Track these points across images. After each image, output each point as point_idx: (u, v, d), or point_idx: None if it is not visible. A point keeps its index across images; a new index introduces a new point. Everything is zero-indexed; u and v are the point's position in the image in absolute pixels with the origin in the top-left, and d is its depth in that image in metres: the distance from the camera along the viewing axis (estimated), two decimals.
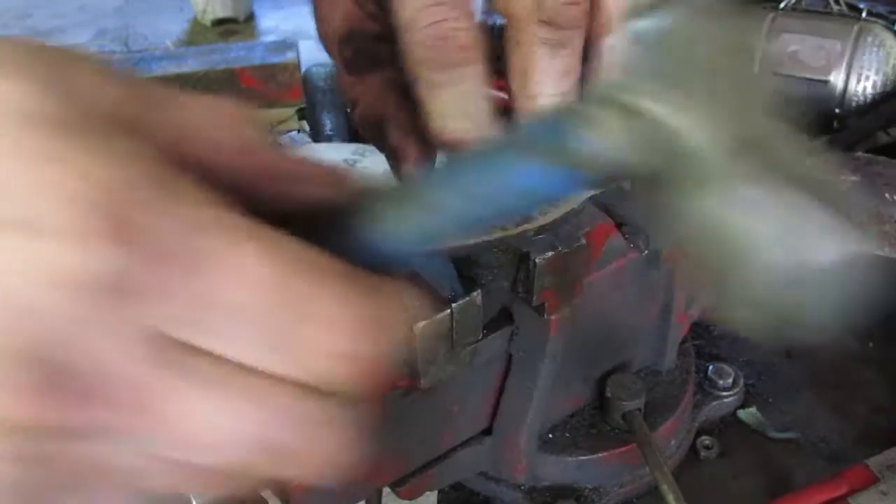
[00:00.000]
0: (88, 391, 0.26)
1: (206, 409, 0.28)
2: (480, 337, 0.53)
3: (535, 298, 0.53)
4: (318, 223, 0.33)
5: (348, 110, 0.50)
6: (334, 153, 0.66)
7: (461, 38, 0.42)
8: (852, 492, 0.66)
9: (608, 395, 0.67)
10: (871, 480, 0.66)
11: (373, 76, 0.50)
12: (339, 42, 0.51)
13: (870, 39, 1.03)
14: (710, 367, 0.78)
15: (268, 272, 0.27)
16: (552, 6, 0.45)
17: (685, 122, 0.28)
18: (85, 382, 0.26)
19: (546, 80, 0.46)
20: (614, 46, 0.48)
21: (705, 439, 0.75)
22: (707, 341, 0.83)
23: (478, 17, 0.43)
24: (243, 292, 0.27)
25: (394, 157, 0.48)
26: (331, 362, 0.29)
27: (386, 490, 0.62)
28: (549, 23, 0.45)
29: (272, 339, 0.28)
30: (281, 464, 0.31)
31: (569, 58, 0.47)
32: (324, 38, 0.53)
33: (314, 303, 0.28)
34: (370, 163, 0.62)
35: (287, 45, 1.50)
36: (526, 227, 0.48)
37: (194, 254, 0.26)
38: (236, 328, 0.28)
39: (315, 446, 0.31)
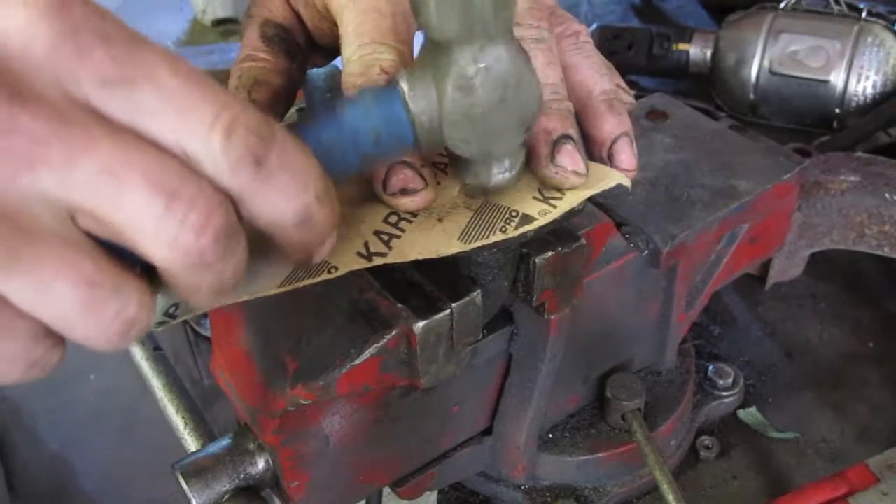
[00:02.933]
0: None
1: (105, 158, 0.31)
2: (480, 337, 0.53)
3: (535, 298, 0.53)
4: None
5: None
6: None
7: (385, 64, 0.48)
8: (852, 492, 0.66)
9: (608, 395, 0.67)
10: (871, 480, 0.66)
11: (281, 58, 0.56)
12: (265, 23, 0.57)
13: (870, 39, 1.03)
14: (710, 367, 0.77)
15: (194, 76, 0.33)
16: (520, 11, 0.51)
17: None
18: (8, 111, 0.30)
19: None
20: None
21: (705, 439, 0.75)
22: (707, 341, 0.83)
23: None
24: (174, 78, 0.32)
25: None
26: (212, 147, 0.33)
27: (386, 490, 0.62)
28: (518, 24, 0.50)
29: (185, 117, 0.32)
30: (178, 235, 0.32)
31: (547, 51, 0.51)
32: (251, 15, 0.58)
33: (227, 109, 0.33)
34: None
35: None
36: (526, 227, 0.48)
37: (131, 43, 0.32)
38: (154, 104, 0.32)
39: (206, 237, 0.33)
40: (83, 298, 0.32)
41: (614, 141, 0.52)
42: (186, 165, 0.33)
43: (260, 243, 0.37)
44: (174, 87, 0.32)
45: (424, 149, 0.43)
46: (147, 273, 0.35)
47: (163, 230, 0.32)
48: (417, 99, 0.42)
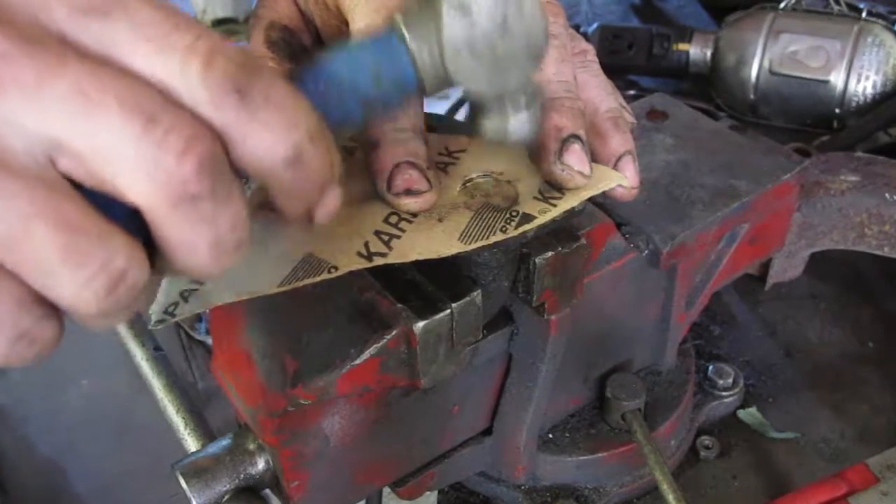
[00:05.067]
0: None
1: (75, 78, 0.30)
2: (480, 337, 0.53)
3: (535, 298, 0.53)
4: None
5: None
6: None
7: None
8: (852, 492, 0.66)
9: (608, 395, 0.67)
10: (871, 480, 0.66)
11: (286, 63, 0.54)
12: (270, 26, 0.55)
13: (870, 39, 1.03)
14: (710, 367, 0.78)
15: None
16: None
17: None
18: None
19: (546, 68, 0.49)
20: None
21: (705, 439, 0.75)
22: (707, 341, 0.83)
23: None
24: (146, 8, 0.31)
25: None
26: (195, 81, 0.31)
27: (386, 490, 0.62)
28: None
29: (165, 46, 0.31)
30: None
31: (561, 48, 0.51)
32: (257, 16, 0.57)
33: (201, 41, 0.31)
34: None
35: None
36: (526, 226, 0.48)
37: None
38: (127, 33, 0.31)
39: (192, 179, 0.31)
40: (64, 244, 0.30)
41: (619, 158, 0.53)
42: (164, 95, 0.31)
43: (260, 238, 0.37)
44: (147, 15, 0.31)
45: (429, 89, 0.41)
46: (142, 241, 0.33)
47: (140, 155, 0.30)
48: (414, 31, 0.40)
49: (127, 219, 0.32)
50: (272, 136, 0.33)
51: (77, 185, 0.31)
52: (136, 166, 0.30)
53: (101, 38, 0.31)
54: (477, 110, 0.45)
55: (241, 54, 0.32)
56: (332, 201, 0.37)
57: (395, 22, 0.40)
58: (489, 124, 0.44)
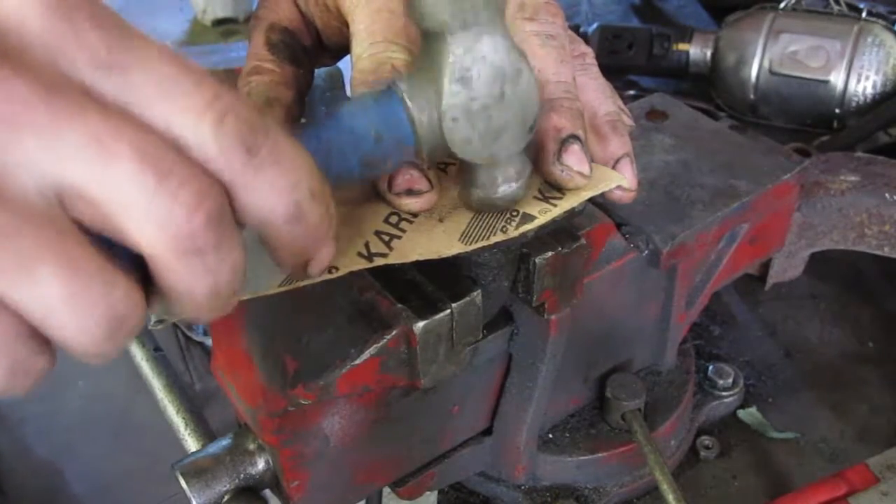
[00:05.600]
0: None
1: (93, 127, 0.30)
2: (480, 337, 0.53)
3: (535, 298, 0.53)
4: None
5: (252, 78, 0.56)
6: None
7: (396, 63, 0.49)
8: (852, 492, 0.66)
9: (608, 395, 0.67)
10: (871, 480, 0.66)
11: (287, 65, 0.55)
12: (270, 28, 0.56)
13: (870, 39, 1.03)
14: (710, 367, 0.78)
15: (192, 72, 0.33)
16: (532, 5, 0.51)
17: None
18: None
19: (545, 68, 0.50)
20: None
21: (705, 439, 0.75)
22: (707, 341, 0.83)
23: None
24: (167, 66, 0.32)
25: None
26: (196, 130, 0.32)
27: (386, 490, 0.62)
28: (532, 19, 0.51)
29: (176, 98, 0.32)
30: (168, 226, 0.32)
31: (560, 48, 0.52)
32: (258, 18, 0.58)
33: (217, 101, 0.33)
34: None
35: None
36: (526, 227, 0.48)
37: (126, 31, 0.32)
38: (146, 88, 0.32)
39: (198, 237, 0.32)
40: (68, 287, 0.30)
41: (617, 161, 0.53)
42: (178, 150, 0.32)
43: (259, 246, 0.37)
44: (167, 73, 0.32)
45: (426, 152, 0.43)
46: (142, 283, 0.34)
47: (153, 207, 0.31)
48: (416, 96, 0.41)
49: (128, 260, 0.33)
50: (276, 192, 0.34)
51: (82, 227, 0.32)
52: (147, 216, 0.31)
53: (121, 89, 0.32)
54: (468, 177, 0.47)
55: (253, 114, 0.33)
56: (325, 256, 0.39)
57: (397, 87, 0.42)
58: (477, 192, 0.47)
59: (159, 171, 0.31)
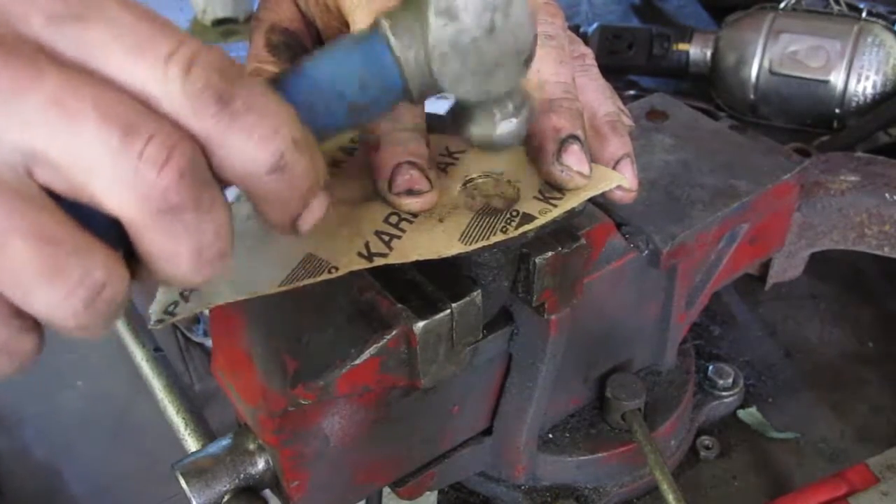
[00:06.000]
0: None
1: (52, 88, 0.29)
2: (480, 337, 0.53)
3: (535, 298, 0.53)
4: None
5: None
6: None
7: None
8: (852, 492, 0.66)
9: (608, 395, 0.67)
10: (871, 480, 0.66)
11: (286, 66, 0.54)
12: (271, 29, 0.55)
13: (870, 39, 1.03)
14: (710, 367, 0.77)
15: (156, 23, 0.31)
16: (531, 5, 0.49)
17: None
18: None
19: (544, 68, 0.50)
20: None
21: (705, 439, 0.75)
22: (707, 341, 0.83)
23: None
24: (125, 13, 0.30)
25: None
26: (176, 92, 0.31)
27: (386, 490, 0.62)
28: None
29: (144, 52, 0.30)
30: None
31: (559, 49, 0.51)
32: (258, 19, 0.57)
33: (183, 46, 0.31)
34: None
35: None
36: (527, 227, 0.48)
37: None
38: (105, 40, 0.30)
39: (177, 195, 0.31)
40: (40, 257, 0.29)
41: (617, 161, 0.53)
42: (144, 103, 0.31)
43: (260, 238, 0.37)
44: (126, 22, 0.31)
45: (416, 94, 0.40)
46: (123, 250, 0.32)
47: (119, 166, 0.30)
48: (400, 34, 0.39)
49: (106, 229, 0.31)
50: (254, 143, 0.32)
51: (55, 196, 0.31)
52: (116, 178, 0.30)
53: (79, 45, 0.30)
54: (464, 115, 0.44)
55: (223, 60, 0.32)
56: (317, 209, 0.37)
57: (379, 25, 0.39)
58: (476, 130, 0.44)
59: (124, 129, 0.30)
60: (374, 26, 0.39)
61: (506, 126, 0.43)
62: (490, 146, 0.44)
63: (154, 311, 0.45)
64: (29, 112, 0.29)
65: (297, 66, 0.39)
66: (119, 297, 0.32)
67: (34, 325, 0.32)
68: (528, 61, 0.41)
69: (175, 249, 0.32)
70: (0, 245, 0.29)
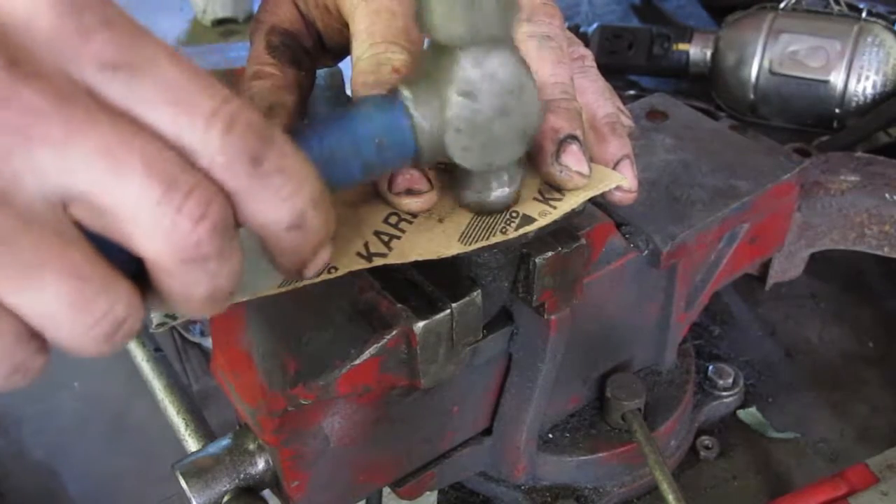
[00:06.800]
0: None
1: (104, 139, 0.30)
2: (480, 337, 0.53)
3: (535, 298, 0.53)
4: None
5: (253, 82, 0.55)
6: None
7: (396, 64, 0.48)
8: (852, 492, 0.66)
9: (608, 395, 0.67)
10: (871, 480, 0.66)
11: (288, 68, 0.55)
12: (271, 31, 0.56)
13: (870, 39, 1.03)
14: (710, 367, 0.77)
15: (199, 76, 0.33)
16: (528, 6, 0.51)
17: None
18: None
19: (542, 69, 0.50)
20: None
21: (705, 439, 0.75)
22: (707, 341, 0.83)
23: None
24: (174, 68, 0.32)
25: None
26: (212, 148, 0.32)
27: (386, 490, 0.62)
28: (529, 20, 0.51)
29: (184, 109, 0.32)
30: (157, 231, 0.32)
31: (557, 49, 0.51)
32: (259, 20, 0.58)
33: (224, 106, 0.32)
34: None
35: None
36: (526, 228, 0.48)
37: (133, 30, 0.32)
38: (153, 92, 0.31)
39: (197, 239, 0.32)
40: (71, 293, 0.31)
41: (617, 162, 0.53)
42: (184, 157, 0.32)
43: (258, 247, 0.37)
44: (174, 77, 0.32)
45: (426, 158, 0.43)
46: (138, 281, 0.34)
47: (159, 218, 0.31)
48: (420, 105, 0.41)
49: (127, 261, 0.33)
50: (279, 202, 0.34)
51: (82, 225, 0.32)
52: (154, 226, 0.31)
53: (129, 93, 0.32)
54: (461, 178, 0.47)
55: (259, 121, 0.33)
56: (322, 259, 0.39)
57: (402, 93, 0.41)
58: (471, 195, 0.47)
59: (166, 183, 0.31)
60: (395, 95, 0.42)
61: (499, 194, 0.47)
62: (483, 210, 0.48)
63: (155, 315, 0.46)
64: (78, 157, 0.30)
65: (319, 121, 0.41)
66: (135, 329, 0.33)
67: (46, 346, 0.33)
68: (530, 140, 0.45)
69: (192, 289, 0.34)
70: (32, 277, 0.30)
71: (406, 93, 0.41)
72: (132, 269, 0.33)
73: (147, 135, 0.32)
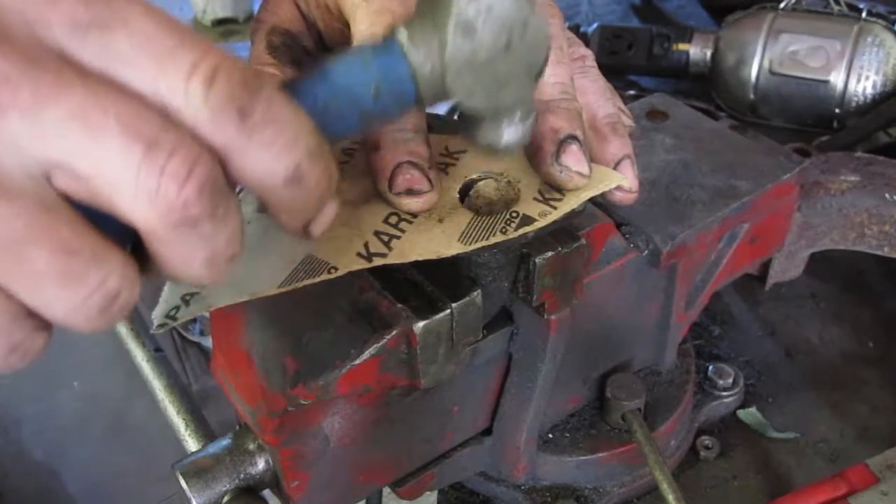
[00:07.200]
0: None
1: (77, 101, 0.29)
2: (480, 337, 0.53)
3: (535, 298, 0.53)
4: None
5: None
6: None
7: None
8: (852, 492, 0.66)
9: (608, 395, 0.67)
10: (871, 480, 0.66)
11: (289, 69, 0.54)
12: (271, 31, 0.55)
13: (870, 39, 1.03)
14: (710, 367, 0.77)
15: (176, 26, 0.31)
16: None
17: None
18: None
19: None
20: None
21: (705, 439, 0.75)
22: (707, 341, 0.83)
23: None
24: (149, 23, 0.30)
25: None
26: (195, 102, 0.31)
27: (386, 490, 0.62)
28: None
29: (160, 63, 0.30)
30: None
31: (557, 49, 0.51)
32: (259, 21, 0.57)
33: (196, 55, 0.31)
34: None
35: None
36: (526, 228, 0.48)
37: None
38: (128, 50, 0.30)
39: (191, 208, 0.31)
40: (59, 267, 0.30)
41: (617, 163, 0.53)
42: (165, 115, 0.31)
43: (261, 239, 0.37)
44: (150, 32, 0.31)
45: (427, 102, 0.41)
46: (137, 252, 0.33)
47: (141, 181, 0.30)
48: (417, 47, 0.39)
49: (120, 230, 0.32)
50: (272, 155, 0.33)
51: (71, 199, 0.31)
52: (137, 191, 0.30)
53: (102, 53, 0.30)
54: (470, 121, 0.44)
55: (244, 71, 0.32)
56: (328, 214, 0.37)
57: (397, 35, 0.40)
58: (482, 137, 0.44)
59: (146, 143, 0.30)
60: (391, 36, 0.40)
61: (511, 134, 0.44)
62: (495, 152, 0.45)
63: (156, 316, 0.46)
64: (51, 124, 0.29)
65: (312, 71, 0.39)
66: (131, 301, 0.32)
67: (45, 324, 0.32)
68: (538, 76, 0.42)
69: (189, 255, 0.32)
70: (20, 253, 0.29)
71: (402, 35, 0.40)
72: (128, 240, 0.32)
73: (124, 95, 0.30)
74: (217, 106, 0.31)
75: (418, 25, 0.40)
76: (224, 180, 0.32)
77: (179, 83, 0.31)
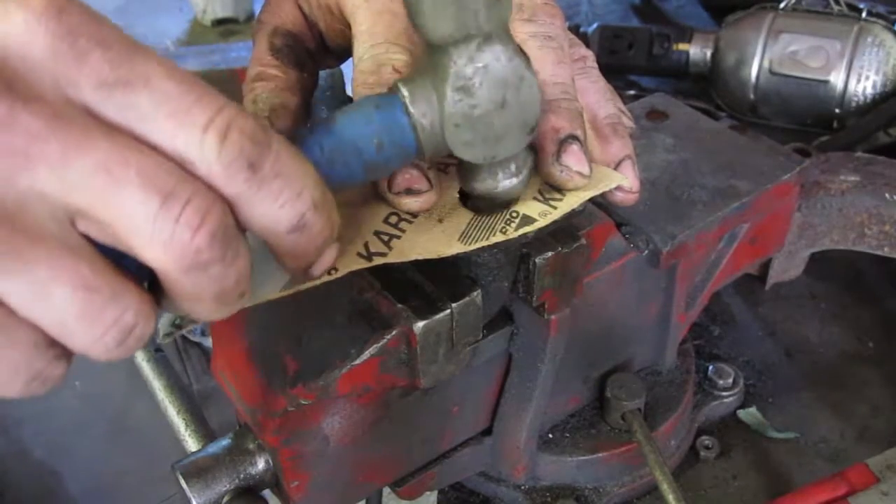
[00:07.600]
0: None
1: (101, 156, 0.32)
2: (480, 337, 0.53)
3: (535, 298, 0.53)
4: None
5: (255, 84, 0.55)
6: None
7: (397, 64, 0.49)
8: (852, 492, 0.66)
9: (608, 395, 0.67)
10: (871, 480, 0.66)
11: (291, 70, 0.56)
12: (273, 32, 0.57)
13: (870, 39, 1.03)
14: (710, 367, 0.78)
15: (193, 86, 0.33)
16: (529, 6, 0.52)
17: None
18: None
19: (543, 69, 0.50)
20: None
21: (705, 439, 0.75)
22: (707, 341, 0.83)
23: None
24: (168, 81, 0.33)
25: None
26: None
27: (386, 490, 0.62)
28: (531, 20, 0.51)
29: (182, 123, 0.33)
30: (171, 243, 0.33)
31: (558, 49, 0.51)
32: (261, 21, 0.58)
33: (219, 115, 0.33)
34: None
35: None
36: (526, 228, 0.48)
37: (127, 47, 0.32)
38: (149, 107, 0.33)
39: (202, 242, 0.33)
40: (80, 304, 0.32)
41: (618, 163, 0.53)
42: (181, 168, 0.33)
43: (262, 246, 0.38)
44: (169, 90, 0.33)
45: (427, 155, 0.43)
46: (151, 286, 0.35)
47: (158, 229, 0.32)
48: (418, 103, 0.42)
49: (137, 268, 0.34)
50: (279, 206, 0.35)
51: (92, 239, 0.33)
52: (154, 238, 0.32)
53: (125, 110, 0.33)
54: (469, 168, 0.47)
55: (255, 127, 0.34)
56: (328, 259, 0.40)
57: (399, 92, 0.42)
58: (479, 184, 0.47)
59: (163, 195, 0.32)
60: (393, 92, 0.42)
61: (507, 184, 0.47)
62: (492, 201, 0.48)
63: (162, 324, 0.46)
64: (76, 176, 0.32)
65: (319, 123, 0.42)
66: (147, 333, 0.35)
67: (66, 353, 0.34)
68: (533, 129, 0.45)
69: (201, 294, 0.35)
70: (45, 290, 0.32)
71: (404, 91, 0.42)
72: (145, 276, 0.34)
73: (144, 149, 0.33)
74: (229, 159, 0.33)
75: (419, 82, 0.42)
76: (234, 226, 0.35)
77: (195, 138, 0.33)
